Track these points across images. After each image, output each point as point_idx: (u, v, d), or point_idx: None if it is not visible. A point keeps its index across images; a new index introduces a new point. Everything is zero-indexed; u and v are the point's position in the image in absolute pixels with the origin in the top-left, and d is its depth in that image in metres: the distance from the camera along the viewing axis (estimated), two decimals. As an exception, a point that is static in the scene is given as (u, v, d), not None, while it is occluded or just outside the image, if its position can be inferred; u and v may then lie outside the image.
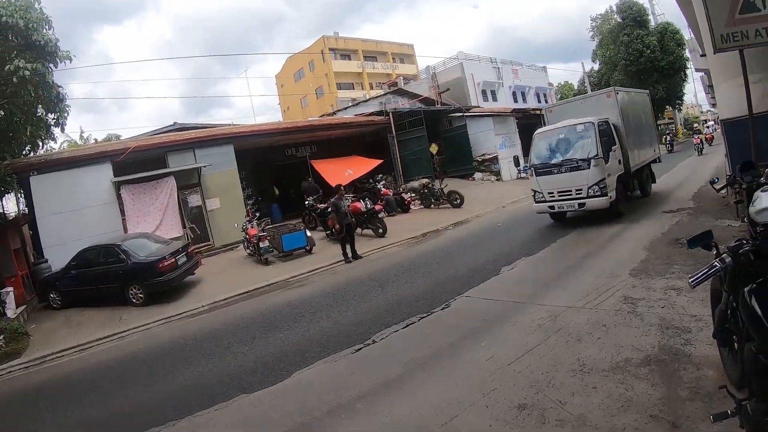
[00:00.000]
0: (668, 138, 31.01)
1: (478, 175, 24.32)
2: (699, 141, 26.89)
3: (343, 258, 11.49)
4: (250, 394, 4.96)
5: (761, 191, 5.00)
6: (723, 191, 7.51)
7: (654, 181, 14.45)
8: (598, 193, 10.27)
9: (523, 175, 24.65)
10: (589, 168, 10.29)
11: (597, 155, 10.24)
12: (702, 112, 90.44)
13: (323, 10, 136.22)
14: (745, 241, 3.01)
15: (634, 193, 13.10)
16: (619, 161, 11.28)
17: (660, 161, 15.40)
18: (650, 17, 45.33)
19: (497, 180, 24.14)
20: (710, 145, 27.53)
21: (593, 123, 10.57)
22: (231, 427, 4.44)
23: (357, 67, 54.13)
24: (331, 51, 52.12)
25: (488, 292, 7.27)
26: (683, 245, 7.89)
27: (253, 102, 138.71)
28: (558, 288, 6.92)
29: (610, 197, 10.45)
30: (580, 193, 10.46)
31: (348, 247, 11.78)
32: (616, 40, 43.49)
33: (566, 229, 10.86)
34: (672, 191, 14.25)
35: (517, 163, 21.17)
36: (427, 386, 4.45)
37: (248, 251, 13.53)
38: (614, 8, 45.28)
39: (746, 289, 2.76)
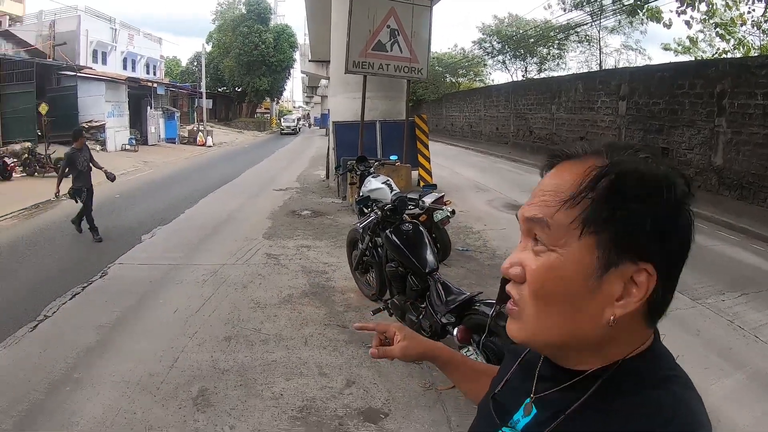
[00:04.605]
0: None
1: (83, 142, 22.20)
2: None
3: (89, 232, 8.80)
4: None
5: (371, 177, 7.31)
6: (331, 177, 9.57)
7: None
8: None
9: (128, 147, 23.92)
10: None
11: None
12: (294, 108, 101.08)
13: None
14: (378, 205, 4.81)
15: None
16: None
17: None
18: (273, 16, 48.83)
19: (102, 150, 22.32)
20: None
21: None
22: None
23: (-47, -10, 40.66)
24: None
25: (140, 259, 7.58)
26: (299, 216, 9.86)
27: None
28: (205, 251, 7.88)
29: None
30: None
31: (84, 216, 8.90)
32: (236, 29, 45.35)
33: (193, 200, 11.80)
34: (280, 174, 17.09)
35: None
36: (132, 343, 4.72)
37: None
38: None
39: (388, 231, 4.42)
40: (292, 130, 52.88)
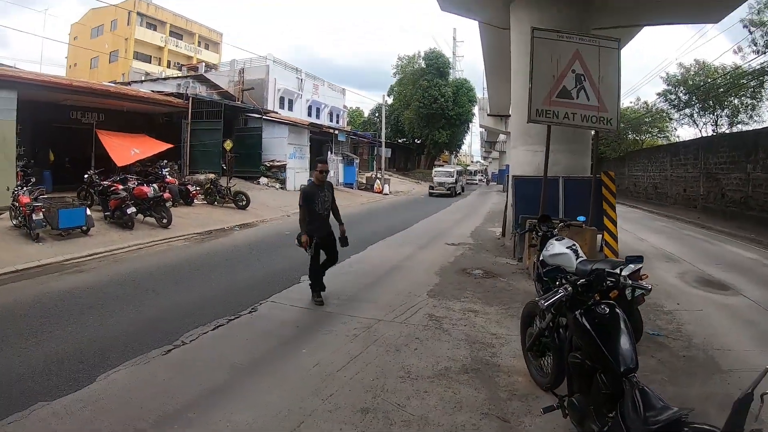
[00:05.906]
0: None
1: (263, 180, 24.12)
2: None
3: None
4: (51, 401, 3.94)
5: (554, 239, 6.24)
6: (507, 236, 8.59)
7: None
8: None
9: (307, 187, 25.36)
10: None
11: None
12: (472, 162, 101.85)
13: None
14: (569, 277, 3.76)
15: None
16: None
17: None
18: (451, 71, 50.46)
19: (281, 188, 24.26)
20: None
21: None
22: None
23: (161, 41, 49.90)
24: (138, 15, 46.58)
25: (293, 300, 7.23)
26: (469, 275, 8.96)
27: (34, 49, 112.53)
28: (363, 302, 7.26)
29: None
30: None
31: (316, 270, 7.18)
32: (416, 82, 47.32)
33: (361, 246, 11.37)
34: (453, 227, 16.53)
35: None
36: (260, 393, 4.25)
37: (14, 222, 11.00)
38: (422, 54, 49.55)
39: (578, 312, 3.44)
40: (447, 189, 33.94)
